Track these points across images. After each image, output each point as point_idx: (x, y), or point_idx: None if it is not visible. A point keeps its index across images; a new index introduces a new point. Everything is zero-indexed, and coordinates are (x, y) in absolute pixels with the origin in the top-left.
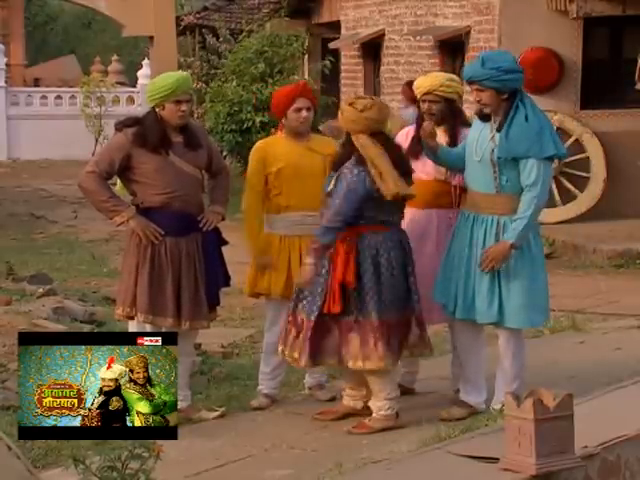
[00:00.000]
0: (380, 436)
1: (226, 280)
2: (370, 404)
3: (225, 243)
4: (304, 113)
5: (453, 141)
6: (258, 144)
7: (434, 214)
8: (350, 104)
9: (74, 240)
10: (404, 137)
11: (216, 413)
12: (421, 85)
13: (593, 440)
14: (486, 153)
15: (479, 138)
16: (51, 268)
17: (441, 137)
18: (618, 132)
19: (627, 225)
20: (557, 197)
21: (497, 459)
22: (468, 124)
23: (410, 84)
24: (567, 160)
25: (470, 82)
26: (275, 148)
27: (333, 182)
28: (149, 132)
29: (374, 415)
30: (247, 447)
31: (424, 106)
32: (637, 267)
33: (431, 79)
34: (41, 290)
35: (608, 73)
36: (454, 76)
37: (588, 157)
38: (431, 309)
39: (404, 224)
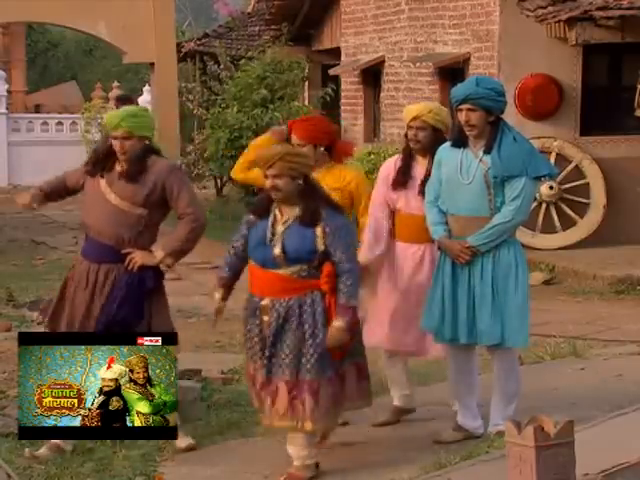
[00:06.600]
0: (381, 463)
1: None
2: (292, 452)
3: (151, 286)
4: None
5: None
6: None
7: (426, 248)
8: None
9: None
10: (392, 166)
11: (187, 442)
12: (410, 110)
13: (594, 467)
14: (478, 175)
15: (462, 163)
16: (51, 294)
17: (424, 167)
18: (618, 158)
19: (627, 251)
20: (557, 223)
21: None
22: None
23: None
24: (567, 186)
25: (463, 101)
26: None
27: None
28: (96, 155)
29: (299, 464)
30: (247, 474)
31: (410, 133)
32: (637, 293)
33: (420, 106)
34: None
35: (607, 99)
36: (443, 107)
37: (588, 183)
38: (427, 341)
39: (396, 259)
